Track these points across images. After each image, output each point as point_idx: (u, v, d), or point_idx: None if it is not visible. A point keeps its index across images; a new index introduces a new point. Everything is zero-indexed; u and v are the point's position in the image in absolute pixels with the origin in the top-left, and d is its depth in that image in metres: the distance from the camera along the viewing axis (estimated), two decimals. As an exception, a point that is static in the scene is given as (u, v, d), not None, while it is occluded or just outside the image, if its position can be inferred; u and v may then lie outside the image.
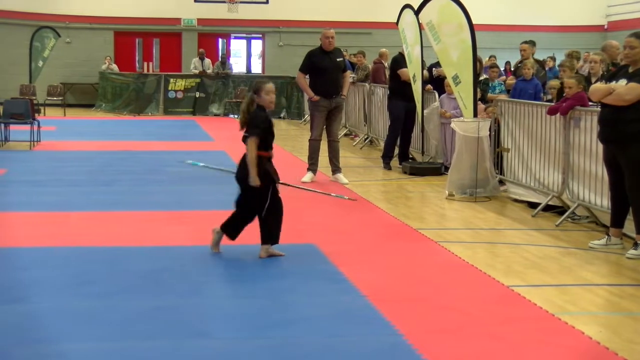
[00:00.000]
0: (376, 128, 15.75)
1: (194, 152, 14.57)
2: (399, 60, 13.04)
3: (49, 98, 24.34)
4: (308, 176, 11.33)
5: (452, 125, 10.82)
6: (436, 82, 13.23)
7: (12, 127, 15.22)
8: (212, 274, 6.50)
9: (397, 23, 13.50)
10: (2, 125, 14.89)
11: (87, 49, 26.86)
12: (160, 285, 6.17)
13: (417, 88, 12.63)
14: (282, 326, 5.22)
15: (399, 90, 12.92)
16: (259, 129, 6.81)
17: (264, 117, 6.91)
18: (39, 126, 15.10)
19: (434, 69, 13.44)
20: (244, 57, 29.49)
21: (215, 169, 7.83)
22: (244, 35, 29.04)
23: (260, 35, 28.83)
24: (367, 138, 16.42)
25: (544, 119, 9.44)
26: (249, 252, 7.19)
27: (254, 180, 6.70)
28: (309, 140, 11.51)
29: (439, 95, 12.80)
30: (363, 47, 20.67)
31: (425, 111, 12.79)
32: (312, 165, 11.43)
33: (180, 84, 24.22)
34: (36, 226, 8.17)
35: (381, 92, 15.11)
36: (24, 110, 15.02)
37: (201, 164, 7.77)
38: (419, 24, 12.48)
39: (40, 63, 23.73)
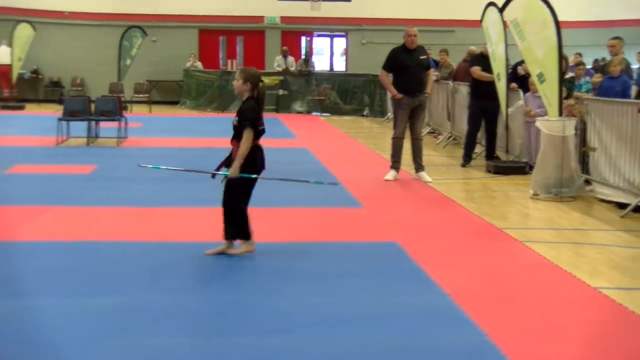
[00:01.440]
0: (459, 126, 15.62)
1: (275, 149, 14.67)
2: (473, 59, 13.08)
3: (135, 95, 24.82)
4: (391, 174, 11.32)
5: (537, 124, 10.67)
6: (521, 80, 13.07)
7: (102, 124, 15.59)
8: (291, 271, 6.53)
9: (481, 21, 13.38)
10: (93, 123, 15.26)
11: (172, 47, 27.29)
12: (235, 281, 6.23)
13: (501, 86, 12.50)
14: (361, 324, 5.22)
15: (474, 88, 12.93)
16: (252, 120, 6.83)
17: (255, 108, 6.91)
18: (126, 123, 15.43)
19: (518, 67, 13.29)
20: (327, 54, 29.56)
21: (177, 170, 7.84)
22: (327, 33, 29.11)
23: (344, 33, 28.86)
24: (450, 136, 16.30)
25: (632, 117, 9.23)
26: (328, 249, 7.23)
27: (235, 171, 6.76)
28: (392, 138, 11.49)
29: (524, 94, 12.65)
30: (446, 45, 20.51)
31: (509, 110, 12.66)
32: (395, 164, 11.41)
33: (264, 81, 24.38)
34: (122, 221, 8.35)
35: (465, 91, 14.98)
36: (113, 107, 15.37)
37: (162, 167, 7.79)
38: (503, 22, 12.35)
39: (128, 61, 24.21)
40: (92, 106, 15.50)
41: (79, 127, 15.05)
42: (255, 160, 6.89)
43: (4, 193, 9.74)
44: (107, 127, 15.51)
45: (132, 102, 23.82)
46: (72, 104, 15.48)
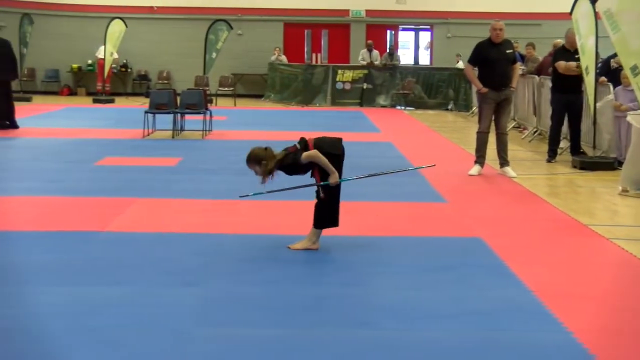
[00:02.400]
0: (545, 121, 15.34)
1: (360, 143, 14.68)
2: (556, 53, 12.83)
3: (220, 89, 25.11)
4: (475, 169, 11.20)
5: (628, 118, 10.41)
6: (612, 74, 12.77)
7: (187, 117, 15.82)
8: (376, 265, 6.52)
9: (570, 13, 13.11)
10: (179, 115, 15.49)
11: (257, 41, 27.51)
12: (325, 274, 6.26)
13: (590, 80, 12.23)
14: (446, 319, 5.19)
15: (557, 82, 12.69)
16: None
17: None
18: (211, 116, 15.62)
19: (612, 60, 12.99)
20: (411, 48, 29.40)
21: (278, 191, 7.66)
22: (412, 26, 28.95)
23: (429, 27, 28.67)
24: (536, 131, 16.04)
25: None
26: (413, 243, 7.20)
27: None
28: (477, 132, 11.36)
29: (614, 88, 12.35)
30: (532, 38, 20.17)
31: (597, 104, 12.37)
32: (480, 158, 11.28)
33: (348, 75, 24.42)
34: (208, 213, 8.45)
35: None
36: (198, 100, 15.57)
37: (265, 192, 7.65)
38: (595, 14, 12.06)
39: (214, 55, 24.50)
40: (178, 99, 15.73)
41: (164, 120, 15.30)
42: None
43: (93, 185, 9.96)
44: (192, 119, 15.73)
45: (217, 95, 24.12)
46: (159, 97, 15.73)
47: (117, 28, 24.43)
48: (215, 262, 6.51)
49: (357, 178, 6.97)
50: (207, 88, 21.66)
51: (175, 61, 27.44)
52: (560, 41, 15.16)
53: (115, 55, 25.13)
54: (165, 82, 27.42)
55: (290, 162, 6.87)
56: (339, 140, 7.21)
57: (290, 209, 8.60)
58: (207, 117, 15.41)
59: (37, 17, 25.73)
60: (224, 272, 6.24)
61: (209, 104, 16.86)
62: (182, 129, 15.63)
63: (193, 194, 9.44)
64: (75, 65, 27.41)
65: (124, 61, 27.38)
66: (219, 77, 25.41)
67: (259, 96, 26.47)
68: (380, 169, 11.43)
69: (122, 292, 5.66)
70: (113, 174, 10.82)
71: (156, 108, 15.28)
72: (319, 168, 6.90)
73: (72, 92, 27.44)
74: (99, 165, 11.55)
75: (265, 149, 6.85)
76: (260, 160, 6.77)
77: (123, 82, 27.64)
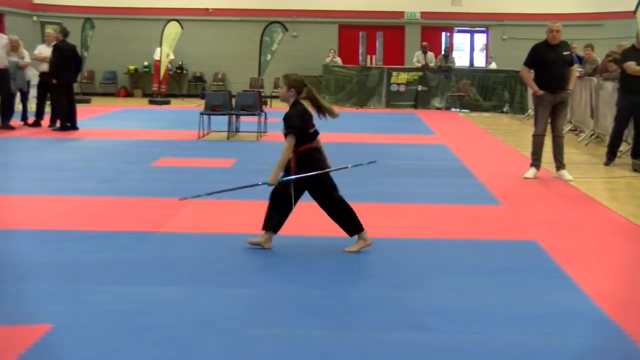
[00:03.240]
0: (603, 124, 15.12)
1: (414, 146, 14.64)
2: (626, 53, 12.57)
3: (275, 90, 25.18)
4: (531, 172, 11.08)
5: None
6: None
7: (242, 119, 15.92)
8: (430, 267, 6.49)
9: (634, 12, 12.83)
10: (234, 117, 15.59)
11: (312, 42, 27.57)
12: (376, 276, 6.24)
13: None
14: (502, 322, 5.14)
15: (625, 83, 12.44)
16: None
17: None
18: (265, 117, 15.68)
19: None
20: (467, 50, 29.21)
21: (224, 191, 7.67)
22: (468, 28, 28.76)
23: (484, 29, 28.45)
24: (593, 134, 15.81)
25: None
26: (468, 246, 7.15)
27: (275, 178, 6.82)
28: (533, 135, 11.24)
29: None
30: (592, 39, 19.90)
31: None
32: (535, 161, 11.16)
33: (403, 77, 24.35)
34: (261, 214, 8.47)
35: (610, 87, 14.49)
36: (253, 102, 15.65)
37: (203, 194, 7.65)
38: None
39: (269, 57, 24.61)
40: (233, 101, 15.83)
41: (220, 121, 15.41)
42: (313, 162, 6.83)
43: (149, 185, 10.07)
44: (247, 121, 15.82)
45: (271, 97, 24.21)
46: (214, 98, 15.85)
47: (173, 30, 24.69)
48: (269, 263, 6.54)
49: (294, 178, 6.91)
50: (262, 90, 21.76)
51: (231, 63, 27.62)
52: (627, 44, 14.91)
53: (172, 57, 25.39)
54: (221, 83, 27.62)
55: (291, 113, 6.84)
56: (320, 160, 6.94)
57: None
58: (262, 118, 15.48)
59: (97, 20, 26.12)
60: (277, 273, 6.26)
61: (263, 106, 16.94)
62: (237, 131, 15.73)
63: (248, 195, 9.45)
64: (132, 67, 27.77)
65: (180, 63, 27.64)
66: (274, 79, 25.50)
67: (313, 98, 26.46)
68: (435, 172, 11.45)
69: (176, 291, 5.71)
70: (169, 174, 10.93)
71: (211, 109, 15.41)
72: (296, 156, 6.80)
73: (128, 94, 27.80)
74: (155, 166, 11.67)
75: (305, 84, 6.88)
76: (291, 87, 6.84)
77: (179, 83, 27.91)
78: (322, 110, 6.93)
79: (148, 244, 7.11)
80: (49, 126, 16.46)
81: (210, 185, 10.05)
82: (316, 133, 6.93)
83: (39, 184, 9.89)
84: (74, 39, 17.64)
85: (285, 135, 6.78)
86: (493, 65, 26.12)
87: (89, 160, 12.27)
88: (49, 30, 18.44)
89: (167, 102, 24.69)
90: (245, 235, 7.42)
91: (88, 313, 5.19)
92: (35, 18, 27.19)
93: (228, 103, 15.59)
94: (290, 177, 6.77)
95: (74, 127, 16.10)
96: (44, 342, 4.67)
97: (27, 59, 17.16)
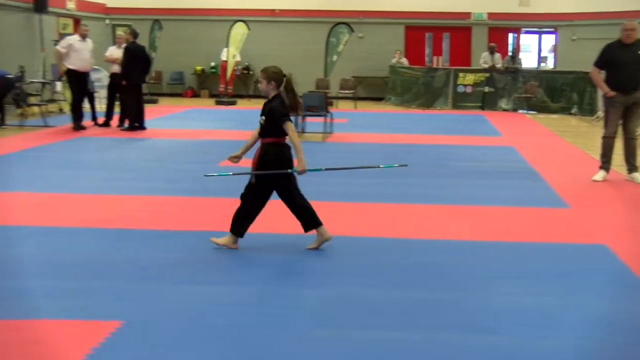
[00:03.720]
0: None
1: (480, 147, 14.52)
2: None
3: (341, 91, 25.24)
4: (600, 174, 10.90)
5: None
6: None
7: (308, 120, 15.97)
8: (496, 270, 6.43)
9: None
10: (300, 118, 15.64)
11: (378, 43, 27.52)
12: (441, 278, 6.20)
13: None
14: (569, 326, 5.07)
15: None
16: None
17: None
18: (331, 118, 15.71)
19: None
20: (534, 51, 28.84)
21: (248, 174, 7.66)
22: (536, 29, 28.40)
23: (553, 29, 28.07)
24: (665, 136, 15.47)
25: None
26: (535, 249, 7.06)
27: (303, 165, 6.85)
28: (603, 137, 11.06)
29: None
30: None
31: None
32: (605, 164, 10.97)
33: (470, 78, 24.16)
34: (331, 215, 8.48)
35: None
36: (319, 103, 15.69)
37: (230, 173, 7.71)
38: None
39: (335, 57, 24.65)
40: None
41: (286, 122, 15.46)
42: (279, 156, 6.90)
43: (216, 185, 10.16)
44: (313, 122, 15.86)
45: (337, 97, 24.25)
46: (281, 99, 15.89)
47: (239, 31, 24.90)
48: (337, 264, 6.55)
49: (295, 172, 6.94)
50: (328, 91, 21.81)
51: (296, 64, 27.64)
52: None
53: (238, 58, 25.60)
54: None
55: (274, 105, 6.86)
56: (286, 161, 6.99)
57: (404, 213, 8.59)
58: (328, 119, 15.52)
59: (165, 22, 26.48)
60: (345, 274, 6.26)
61: (329, 107, 16.97)
62: (303, 131, 15.78)
63: (314, 195, 9.46)
64: (199, 68, 28.06)
65: (246, 64, 27.84)
66: (340, 80, 25.53)
67: (379, 99, 26.48)
68: (501, 174, 11.33)
69: (246, 291, 5.76)
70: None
71: (278, 110, 15.44)
72: (262, 146, 6.92)
73: (195, 94, 28.10)
74: (222, 166, 11.77)
75: (284, 76, 6.91)
76: (271, 80, 6.86)
77: (245, 84, 28.10)
78: (294, 102, 6.93)
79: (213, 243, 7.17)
80: (118, 126, 16.74)
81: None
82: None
83: (108, 183, 10.06)
84: (142, 40, 17.90)
85: (271, 127, 6.82)
86: (547, 66, 25.71)
87: (157, 160, 12.43)
88: (120, 32, 18.75)
89: (234, 103, 24.89)
90: (309, 236, 7.45)
91: (157, 311, 5.27)
92: (107, 21, 27.69)
93: (294, 104, 15.62)
94: (319, 169, 6.97)
95: (141, 127, 16.34)
96: (114, 337, 4.75)
97: (92, 61, 17.52)
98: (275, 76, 6.87)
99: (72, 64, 16.07)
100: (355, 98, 24.82)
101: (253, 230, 7.64)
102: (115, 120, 16.99)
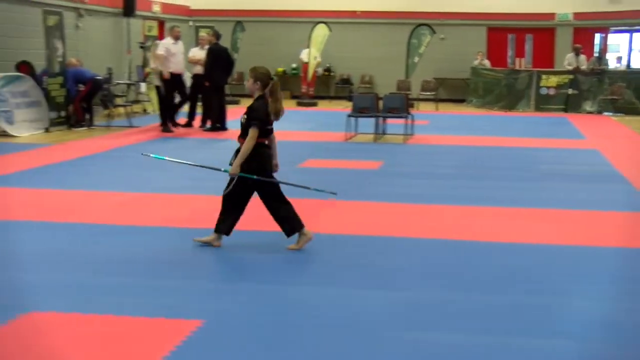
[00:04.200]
0: None
1: (563, 150, 14.28)
2: None
3: (422, 93, 25.10)
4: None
5: None
6: None
7: (389, 121, 15.94)
8: (574, 274, 6.32)
9: None
10: (380, 119, 15.63)
11: (459, 45, 27.25)
12: (526, 282, 6.12)
13: None
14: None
15: None
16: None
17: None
18: (412, 120, 15.66)
19: None
20: (622, 51, 28.10)
21: (181, 163, 7.68)
22: (626, 28, 27.66)
23: (645, 27, 27.29)
24: None
25: None
26: (619, 253, 6.93)
27: (236, 169, 6.81)
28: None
29: None
30: None
31: None
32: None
33: (553, 80, 23.75)
34: (408, 217, 8.47)
35: None
36: (400, 105, 15.64)
37: (166, 158, 7.70)
38: None
39: (416, 59, 24.54)
40: (380, 103, 15.87)
41: (366, 123, 15.49)
42: (261, 158, 6.90)
43: (295, 188, 10.21)
44: (394, 123, 15.83)
45: (418, 99, 24.13)
46: (361, 100, 15.95)
47: (321, 32, 24.98)
48: (415, 266, 6.52)
49: (256, 179, 6.88)
50: (409, 92, 21.71)
51: (378, 65, 27.68)
52: None
53: (319, 59, 25.68)
54: (368, 86, 27.71)
55: (254, 105, 6.89)
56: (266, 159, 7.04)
57: (486, 215, 8.51)
58: (409, 121, 15.46)
59: (247, 23, 26.74)
60: (424, 277, 6.24)
61: (410, 108, 16.90)
62: (384, 133, 15.76)
63: (395, 197, 9.49)
64: (280, 69, 28.24)
65: (328, 65, 27.91)
66: (421, 82, 25.38)
67: (460, 101, 26.26)
68: (585, 177, 11.13)
69: (323, 292, 5.78)
70: (316, 175, 11.04)
71: (359, 112, 15.51)
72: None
73: (277, 96, 28.24)
74: (302, 167, 11.84)
75: (272, 78, 6.93)
76: (257, 80, 6.88)
77: (326, 85, 28.18)
78: (275, 108, 6.89)
79: (291, 244, 7.22)
80: (200, 127, 16.96)
81: (358, 187, 10.13)
82: (271, 130, 7.02)
83: (191, 183, 10.18)
84: (224, 42, 18.12)
85: (248, 127, 6.81)
86: (621, 66, 25.09)
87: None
88: (203, 33, 19.00)
89: (315, 104, 24.98)
90: (393, 238, 7.45)
91: (239, 311, 5.33)
92: (190, 23, 28.08)
93: (375, 105, 15.65)
94: (253, 176, 6.84)
95: (223, 127, 16.53)
96: (195, 336, 4.82)
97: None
98: (262, 77, 6.91)
99: (167, 67, 16.22)
100: (437, 100, 24.64)
101: (331, 232, 7.66)
102: (197, 121, 17.22)
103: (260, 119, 6.79)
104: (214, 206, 8.29)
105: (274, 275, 6.20)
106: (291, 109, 23.60)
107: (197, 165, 7.37)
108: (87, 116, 16.98)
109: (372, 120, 15.48)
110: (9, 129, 15.20)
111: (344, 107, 21.12)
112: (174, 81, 16.38)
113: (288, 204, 7.04)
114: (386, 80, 26.41)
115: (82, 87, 16.77)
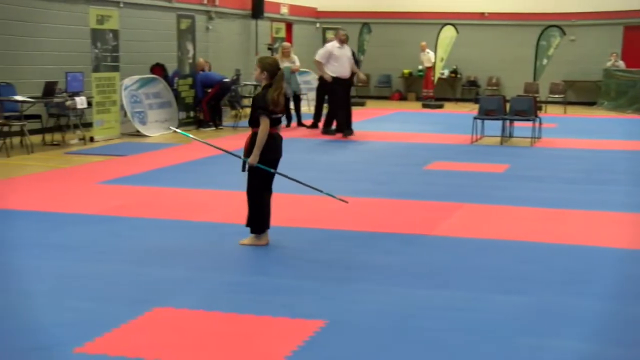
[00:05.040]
0: None
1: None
2: None
3: (550, 95, 24.55)
4: None
5: None
6: None
7: (516, 124, 15.68)
8: None
9: None
10: (507, 122, 15.39)
11: (591, 46, 26.51)
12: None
13: None
14: None
15: None
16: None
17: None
18: (540, 123, 15.35)
19: None
20: None
21: (207, 144, 7.45)
22: None
23: None
24: None
25: None
26: None
27: (255, 159, 6.84)
28: None
29: None
30: None
31: None
32: None
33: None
34: (533, 221, 8.31)
35: None
36: (528, 107, 15.36)
37: (190, 135, 7.52)
38: None
39: (545, 61, 24.06)
40: (507, 105, 15.63)
41: (493, 126, 15.27)
42: (267, 147, 6.85)
43: (422, 188, 10.18)
44: (521, 126, 15.55)
45: (546, 102, 23.62)
46: (488, 103, 15.74)
47: (448, 34, 24.79)
48: (543, 272, 6.39)
49: (274, 172, 6.95)
50: (537, 95, 21.28)
51: (505, 67, 27.26)
52: None
53: (443, 62, 25.45)
54: (495, 88, 27.33)
55: (259, 95, 6.93)
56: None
57: (621, 221, 8.26)
58: (537, 124, 15.17)
59: (374, 25, 26.79)
60: (550, 282, 6.10)
61: (538, 111, 16.56)
62: (510, 136, 15.51)
63: (521, 201, 9.33)
64: (406, 71, 28.17)
65: (454, 67, 27.67)
66: (549, 84, 24.83)
67: (590, 104, 25.56)
68: None
69: (448, 295, 5.72)
70: (441, 178, 10.98)
71: (485, 114, 15.31)
72: (252, 135, 6.91)
73: (402, 97, 28.24)
74: (428, 170, 11.77)
75: (279, 69, 6.93)
76: (264, 70, 6.89)
77: (452, 87, 27.95)
78: (273, 95, 6.82)
79: (420, 247, 7.18)
80: (325, 128, 17.06)
81: (484, 190, 10.00)
82: (279, 120, 7.01)
83: (316, 183, 10.21)
84: (351, 43, 18.19)
85: (257, 116, 6.84)
86: None
87: (364, 161, 12.58)
88: (330, 35, 19.11)
89: (440, 106, 24.80)
90: (518, 242, 7.32)
91: (361, 312, 5.33)
92: (317, 25, 28.36)
93: (502, 108, 15.42)
94: (270, 170, 6.93)
95: (349, 129, 16.58)
96: (317, 337, 4.84)
97: (298, 64, 17.98)
98: (269, 67, 6.94)
99: (331, 71, 15.88)
100: (565, 102, 24.05)
101: (455, 234, 7.58)
102: (322, 122, 17.33)
103: (265, 108, 6.85)
104: (336, 206, 8.35)
105: (397, 278, 6.17)
106: (417, 110, 23.54)
107: (224, 150, 7.45)
108: (215, 117, 17.35)
109: (499, 122, 15.26)
110: (142, 129, 15.70)
111: (470, 110, 20.89)
112: (341, 85, 15.93)
113: (264, 206, 7.09)
114: (513, 82, 25.98)
115: (209, 90, 17.16)
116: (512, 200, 9.40)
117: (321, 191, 7.63)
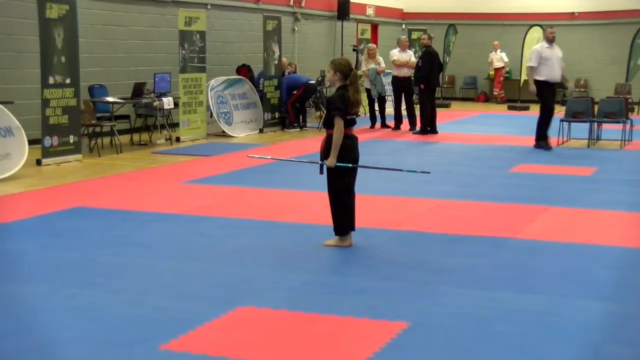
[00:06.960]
0: None
1: None
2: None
3: (642, 97, 23.94)
4: None
5: None
6: None
7: (605, 126, 15.35)
8: None
9: None
10: (595, 124, 15.08)
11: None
12: None
13: None
14: None
15: None
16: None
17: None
18: (631, 125, 14.99)
19: None
20: None
21: (282, 160, 7.31)
22: None
23: None
24: None
25: None
26: None
27: (332, 161, 6.80)
28: None
29: None
30: None
31: None
32: None
33: None
34: (623, 225, 8.14)
35: None
36: (618, 109, 15.03)
37: (269, 157, 7.42)
38: None
39: (639, 61, 23.47)
40: (595, 107, 15.31)
41: (580, 128, 14.99)
42: (344, 148, 6.78)
43: (507, 191, 10.05)
44: (610, 129, 15.22)
45: (639, 103, 23.03)
46: (575, 105, 15.48)
47: (535, 35, 24.40)
48: (632, 278, 6.25)
49: (352, 166, 6.86)
50: (629, 96, 20.77)
51: (595, 68, 26.68)
52: None
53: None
54: (583, 90, 26.78)
55: (334, 96, 6.91)
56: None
57: None
58: (628, 126, 14.81)
59: (460, 26, 26.57)
60: (636, 289, 5.97)
61: (629, 113, 16.18)
62: (598, 138, 15.19)
63: (609, 205, 9.14)
64: (492, 73, 27.84)
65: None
66: (644, 85, 24.18)
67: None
68: None
69: (531, 299, 5.65)
70: (527, 181, 10.82)
71: (572, 116, 15.04)
72: (327, 137, 6.90)
73: (487, 99, 27.91)
74: (513, 172, 11.63)
75: (352, 69, 6.88)
76: (337, 71, 6.86)
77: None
78: (355, 97, 6.82)
79: (503, 249, 7.10)
80: (410, 129, 17.01)
81: (570, 193, 9.83)
82: (354, 121, 6.93)
83: (398, 185, 10.20)
84: (436, 44, 18.11)
85: (331, 118, 6.81)
86: None
87: (449, 163, 12.48)
88: (403, 37, 18.94)
89: (527, 108, 24.41)
90: (608, 247, 7.17)
91: (444, 314, 5.30)
92: (403, 26, 28.27)
93: (590, 110, 15.12)
94: (348, 165, 6.85)
95: (433, 130, 16.50)
96: (400, 338, 4.83)
97: (383, 65, 17.94)
98: (342, 68, 6.89)
99: (539, 74, 14.46)
100: (659, 104, 23.41)
101: (541, 238, 7.47)
102: (405, 124, 17.29)
103: (340, 109, 6.81)
104: (420, 208, 8.31)
105: (481, 280, 6.11)
106: (502, 112, 23.27)
107: (300, 161, 7.51)
108: (300, 118, 17.45)
109: (586, 125, 14.95)
110: (228, 130, 15.89)
111: (557, 112, 20.52)
112: (549, 89, 14.68)
113: (346, 206, 7.04)
114: (603, 84, 25.40)
115: (295, 92, 17.27)
116: (599, 203, 9.21)
117: (401, 170, 7.79)
